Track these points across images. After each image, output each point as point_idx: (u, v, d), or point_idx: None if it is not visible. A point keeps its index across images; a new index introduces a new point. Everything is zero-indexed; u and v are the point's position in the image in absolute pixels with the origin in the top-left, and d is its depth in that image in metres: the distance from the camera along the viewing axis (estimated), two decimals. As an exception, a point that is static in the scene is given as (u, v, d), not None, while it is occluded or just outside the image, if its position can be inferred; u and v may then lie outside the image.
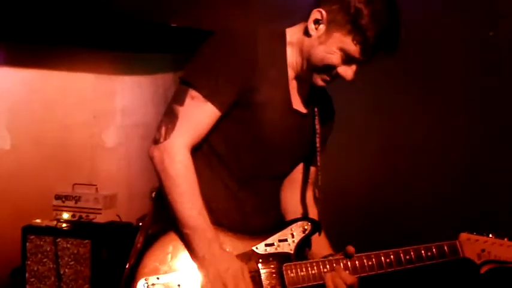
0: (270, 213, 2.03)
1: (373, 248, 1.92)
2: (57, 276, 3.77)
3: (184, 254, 1.84)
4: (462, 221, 1.92)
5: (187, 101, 1.80)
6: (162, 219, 1.89)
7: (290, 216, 2.09)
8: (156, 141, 1.80)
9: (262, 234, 1.92)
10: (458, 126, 3.27)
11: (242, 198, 1.94)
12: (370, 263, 1.89)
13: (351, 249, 1.90)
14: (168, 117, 1.81)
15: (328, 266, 1.89)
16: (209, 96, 1.79)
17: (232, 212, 1.92)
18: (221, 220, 1.88)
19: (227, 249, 1.85)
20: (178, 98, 1.82)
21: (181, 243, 1.84)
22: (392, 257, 1.89)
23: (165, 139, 1.78)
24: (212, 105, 1.80)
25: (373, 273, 1.90)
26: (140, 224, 1.99)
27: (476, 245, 1.91)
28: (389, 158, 3.40)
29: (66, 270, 3.78)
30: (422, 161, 3.33)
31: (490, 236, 1.92)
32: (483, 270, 1.91)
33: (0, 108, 4.38)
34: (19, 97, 4.40)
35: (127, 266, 1.87)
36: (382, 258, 1.89)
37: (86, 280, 3.73)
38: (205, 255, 1.78)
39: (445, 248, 1.90)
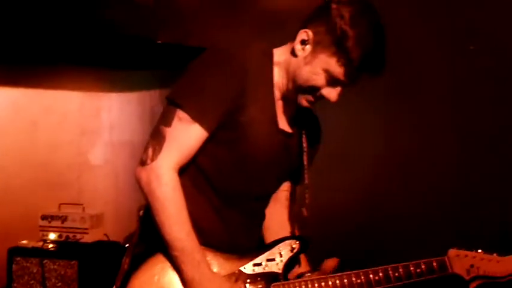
0: (256, 233, 2.04)
1: (362, 266, 1.92)
2: (45, 298, 3.75)
3: (171, 276, 1.83)
4: (451, 236, 1.93)
5: (175, 122, 1.80)
6: (149, 239, 1.89)
7: (268, 234, 2.09)
8: (143, 163, 1.79)
9: (249, 253, 1.93)
10: (445, 139, 3.28)
11: (228, 217, 1.94)
12: (358, 281, 1.89)
13: (329, 263, 1.91)
14: (155, 138, 1.81)
15: (316, 285, 1.89)
16: (197, 118, 1.79)
17: (218, 231, 1.92)
18: (208, 240, 1.87)
19: (215, 270, 1.85)
20: (165, 119, 1.82)
21: (169, 265, 1.83)
22: (381, 274, 1.89)
23: (152, 160, 1.78)
24: (200, 127, 1.80)
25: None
26: (127, 244, 1.98)
27: (465, 261, 1.91)
28: (376, 175, 3.40)
29: (53, 291, 3.74)
30: (410, 177, 3.33)
31: (479, 251, 1.92)
32: (472, 286, 1.91)
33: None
34: (4, 116, 4.38)
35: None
36: (371, 275, 1.89)
37: (73, 301, 3.71)
38: (195, 277, 1.78)
39: (434, 264, 1.91)
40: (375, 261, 1.94)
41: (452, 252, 1.93)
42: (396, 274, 1.89)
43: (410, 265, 1.91)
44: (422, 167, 3.30)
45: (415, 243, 2.89)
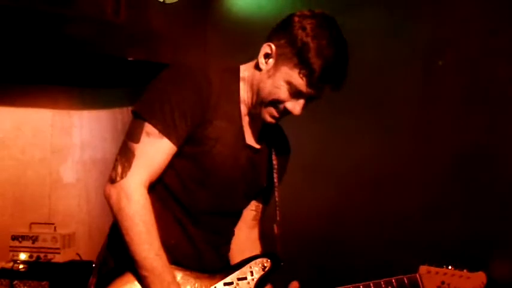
0: (223, 250, 2.00)
1: (332, 283, 1.89)
2: (15, 319, 3.65)
3: None
4: (427, 250, 1.92)
5: (143, 137, 1.75)
6: (116, 258, 1.84)
7: (235, 254, 2.05)
8: (112, 180, 1.75)
9: (220, 272, 1.88)
10: (413, 153, 3.28)
11: (195, 234, 1.89)
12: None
13: (294, 286, 1.87)
14: (124, 154, 1.76)
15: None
16: (165, 132, 1.76)
17: (186, 249, 1.87)
18: (177, 258, 1.83)
19: None
20: (133, 134, 1.77)
21: (137, 285, 1.77)
22: (352, 292, 1.87)
23: (121, 178, 1.73)
24: (168, 141, 1.76)
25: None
26: (93, 264, 1.92)
27: (436, 278, 1.90)
28: (348, 190, 3.39)
29: (24, 313, 3.65)
30: (383, 190, 3.32)
31: (450, 267, 1.91)
32: (443, 303, 1.91)
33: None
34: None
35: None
36: None
37: (44, 323, 3.62)
38: None
39: (405, 281, 1.89)
40: (345, 278, 1.91)
41: (423, 268, 1.92)
42: None
43: (382, 282, 1.89)
44: (390, 182, 3.30)
45: (385, 259, 2.87)
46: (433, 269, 1.92)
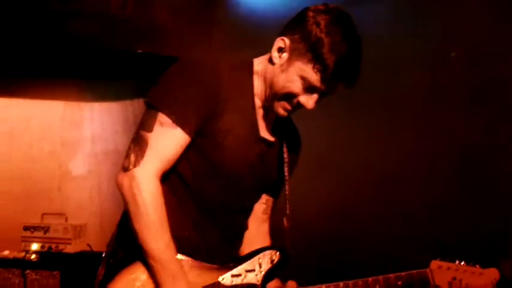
0: (234, 244, 1.97)
1: (341, 278, 1.85)
2: (27, 308, 3.65)
3: (147, 285, 1.75)
4: (435, 246, 1.88)
5: (156, 126, 1.73)
6: (125, 248, 1.81)
7: (244, 246, 2.02)
8: (125, 169, 1.72)
9: (229, 264, 1.85)
10: (424, 151, 3.24)
11: (207, 228, 1.87)
12: (339, 293, 1.83)
13: (290, 286, 1.85)
14: (137, 143, 1.74)
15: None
16: (178, 121, 1.73)
17: (196, 241, 1.84)
18: (186, 249, 1.80)
19: (193, 280, 1.77)
20: (146, 124, 1.75)
21: (146, 275, 1.76)
22: (360, 286, 1.83)
23: (134, 166, 1.71)
24: (181, 131, 1.74)
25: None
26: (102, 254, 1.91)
27: (447, 273, 1.85)
28: (357, 186, 3.34)
29: (36, 302, 3.65)
30: (391, 187, 3.26)
31: (462, 263, 1.86)
32: (453, 299, 1.86)
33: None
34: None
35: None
36: (351, 287, 1.83)
37: (56, 312, 3.61)
38: None
39: (416, 276, 1.85)
40: (354, 273, 1.87)
41: (434, 263, 1.87)
42: (377, 286, 1.83)
43: (391, 277, 1.85)
44: (398, 178, 3.25)
45: (394, 255, 2.83)
46: (444, 264, 1.87)
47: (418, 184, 3.17)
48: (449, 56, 3.14)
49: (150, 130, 1.74)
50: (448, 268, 1.86)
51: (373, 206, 3.27)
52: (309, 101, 1.80)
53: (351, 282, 1.84)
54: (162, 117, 1.74)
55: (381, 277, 1.84)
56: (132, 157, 1.72)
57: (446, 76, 3.19)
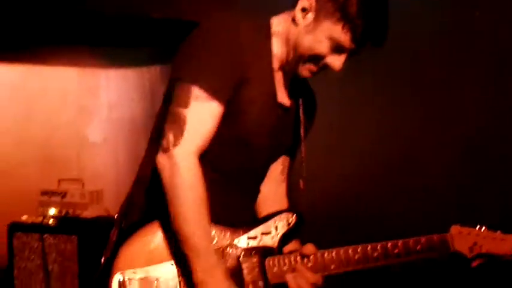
0: (249, 208, 1.93)
1: (360, 243, 1.79)
2: (45, 272, 3.66)
3: (162, 247, 1.72)
4: (454, 215, 1.83)
5: (192, 101, 1.64)
6: (138, 210, 1.78)
7: (261, 209, 1.97)
8: (164, 150, 1.64)
9: (244, 226, 1.80)
10: (450, 118, 3.16)
11: (223, 192, 1.81)
12: (356, 256, 1.77)
13: (308, 248, 1.79)
14: (174, 122, 1.66)
15: (312, 260, 1.77)
16: (214, 94, 1.65)
17: (213, 205, 1.75)
18: None
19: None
20: (180, 100, 1.66)
21: (159, 237, 1.71)
22: (379, 249, 1.78)
23: (174, 146, 1.63)
24: (217, 103, 1.66)
25: (361, 267, 1.77)
26: (115, 216, 1.88)
27: (468, 238, 1.78)
28: (378, 151, 3.28)
29: (55, 266, 3.67)
30: (414, 153, 3.20)
31: (483, 228, 1.79)
32: (474, 264, 1.79)
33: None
34: (1, 95, 4.26)
35: (102, 261, 1.75)
36: (369, 251, 1.78)
37: (74, 276, 3.62)
38: (205, 280, 1.63)
39: (435, 240, 1.78)
40: (372, 238, 1.81)
41: (455, 228, 1.80)
42: (396, 250, 1.76)
43: (410, 241, 1.78)
44: (421, 148, 3.19)
45: (414, 220, 2.79)
46: (465, 229, 1.80)
47: (441, 151, 3.11)
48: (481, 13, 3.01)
49: (186, 106, 1.65)
50: (469, 233, 1.79)
51: (392, 171, 3.21)
52: (336, 62, 1.73)
53: (369, 246, 1.79)
54: (196, 91, 1.65)
55: (400, 241, 1.78)
56: (171, 137, 1.64)
57: (469, 57, 3.09)
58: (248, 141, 1.79)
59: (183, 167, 1.62)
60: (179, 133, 1.64)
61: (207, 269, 1.63)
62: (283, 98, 1.85)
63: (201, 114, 1.66)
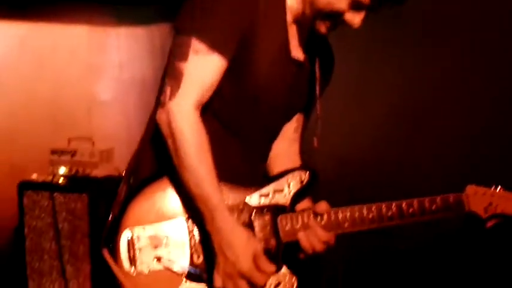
0: (259, 167, 1.89)
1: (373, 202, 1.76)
2: (56, 230, 3.65)
3: (172, 204, 1.69)
4: (470, 176, 1.79)
5: (191, 54, 1.58)
6: (147, 166, 1.75)
7: (273, 167, 1.93)
8: (162, 104, 1.61)
9: (255, 184, 1.76)
10: (469, 77, 3.10)
11: (231, 148, 1.78)
12: (370, 215, 1.74)
13: (321, 206, 1.75)
14: (172, 76, 1.61)
15: (326, 218, 1.74)
16: (215, 47, 1.59)
17: (220, 162, 1.72)
18: None
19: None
20: (179, 53, 1.61)
21: (169, 193, 1.69)
22: (394, 208, 1.74)
23: (170, 99, 1.59)
24: (219, 56, 1.60)
25: (375, 226, 1.75)
26: (123, 173, 1.84)
27: (483, 199, 1.76)
28: (394, 110, 3.22)
29: (65, 224, 3.65)
30: (430, 112, 3.16)
31: (498, 188, 1.76)
32: (489, 224, 1.76)
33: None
34: (10, 53, 4.20)
35: (109, 218, 1.72)
36: (384, 210, 1.74)
37: (84, 234, 3.61)
38: (222, 227, 1.61)
39: (451, 200, 1.75)
40: (386, 198, 1.78)
41: (470, 188, 1.77)
42: (410, 210, 1.73)
43: (426, 200, 1.75)
44: (437, 106, 3.14)
45: (429, 181, 2.74)
46: (480, 189, 1.77)
47: (457, 111, 3.06)
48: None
49: (184, 59, 1.59)
50: (484, 193, 1.76)
51: (408, 131, 3.16)
52: (355, 18, 1.66)
53: (383, 205, 1.74)
54: (195, 44, 1.58)
55: (415, 201, 1.75)
56: (168, 90, 1.60)
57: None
58: (260, 98, 1.74)
59: (179, 119, 1.58)
60: (176, 87, 1.59)
61: (218, 217, 1.60)
62: (297, 53, 1.79)
63: (200, 67, 1.60)
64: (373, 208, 1.74)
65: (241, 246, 1.61)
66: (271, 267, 1.63)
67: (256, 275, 1.61)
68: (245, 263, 1.60)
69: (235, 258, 1.59)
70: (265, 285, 1.65)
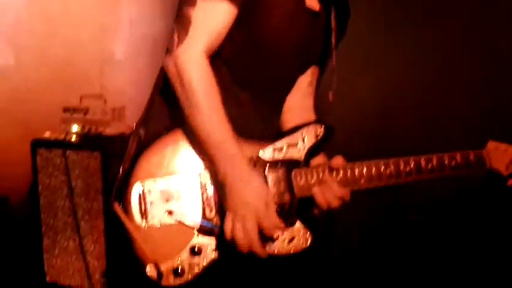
0: (272, 121, 1.84)
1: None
2: (69, 188, 3.64)
3: (184, 157, 1.65)
4: (491, 134, 1.74)
5: (199, 1, 1.55)
6: (158, 119, 1.72)
7: (286, 122, 1.88)
8: (169, 51, 1.58)
9: (269, 138, 1.72)
10: (481, 39, 3.03)
11: (243, 102, 1.73)
12: (387, 171, 1.69)
13: (337, 161, 1.70)
14: (179, 22, 1.57)
15: (342, 174, 1.69)
16: None
17: (232, 114, 1.68)
18: None
19: None
20: (188, 0, 1.57)
21: (182, 146, 1.65)
22: (412, 164, 1.68)
23: (178, 46, 1.55)
24: (228, 3, 1.56)
25: (392, 182, 1.69)
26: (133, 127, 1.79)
27: (505, 155, 1.69)
28: (412, 62, 3.14)
29: (78, 182, 3.63)
30: (450, 67, 3.07)
31: None
32: (510, 182, 1.70)
33: (0, 24, 4.11)
34: (20, 12, 4.13)
35: (120, 172, 1.68)
36: (401, 165, 1.68)
37: (98, 191, 3.59)
38: (227, 173, 1.57)
39: (471, 156, 1.69)
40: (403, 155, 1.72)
41: (491, 144, 1.71)
42: (429, 165, 1.67)
43: (445, 156, 1.69)
44: (458, 65, 3.07)
45: (448, 139, 2.68)
46: (502, 145, 1.71)
47: (477, 66, 3.00)
48: None
49: (193, 5, 1.55)
50: (506, 150, 1.70)
51: (429, 84, 3.08)
52: None
53: (401, 160, 1.69)
54: None
55: (434, 156, 1.69)
56: (175, 37, 1.56)
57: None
58: (272, 47, 1.69)
59: (188, 66, 1.55)
60: (184, 34, 1.56)
61: (227, 160, 1.57)
62: (312, 2, 1.73)
63: (209, 14, 1.56)
64: (391, 163, 1.69)
65: (256, 190, 1.57)
66: (279, 221, 1.59)
67: (266, 221, 1.57)
68: (257, 208, 1.56)
69: (250, 200, 1.56)
70: (274, 237, 1.62)
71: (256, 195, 1.57)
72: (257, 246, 1.57)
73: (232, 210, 1.58)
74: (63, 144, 3.65)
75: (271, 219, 1.57)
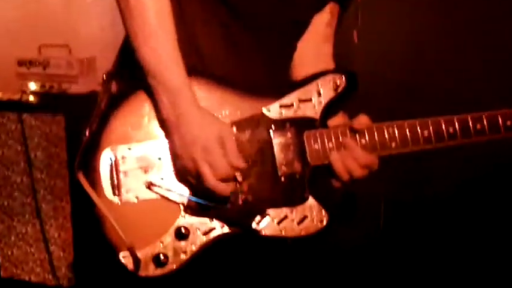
0: (280, 70, 1.81)
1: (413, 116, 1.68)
2: (27, 161, 3.67)
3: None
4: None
5: None
6: (133, 71, 1.66)
7: (298, 71, 1.85)
8: None
9: (275, 92, 1.69)
10: None
11: (243, 43, 1.71)
12: (426, 132, 1.66)
13: (361, 121, 1.67)
14: None
15: (367, 135, 1.67)
16: None
17: (230, 61, 1.70)
18: (214, 69, 1.67)
19: (227, 111, 1.64)
20: None
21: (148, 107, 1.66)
22: (457, 124, 1.65)
23: None
24: None
25: (430, 147, 1.67)
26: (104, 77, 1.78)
27: None
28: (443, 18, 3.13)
29: (38, 153, 3.66)
30: (477, 27, 3.06)
31: None
32: None
33: None
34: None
35: (86, 133, 1.67)
36: (443, 124, 1.66)
37: (62, 164, 3.61)
38: (169, 118, 1.59)
39: (500, 118, 1.65)
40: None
41: None
42: (478, 126, 1.65)
43: (498, 115, 1.66)
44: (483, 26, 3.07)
45: (489, 95, 2.66)
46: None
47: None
48: None
49: None
50: None
51: (461, 40, 3.08)
52: None
53: (442, 119, 1.66)
54: None
55: (484, 114, 1.66)
56: None
57: None
58: None
59: None
60: None
61: (170, 101, 1.58)
62: None
63: None
64: (429, 123, 1.66)
65: (206, 123, 1.57)
66: (239, 160, 1.59)
67: (220, 161, 1.56)
68: (208, 140, 1.56)
69: (197, 133, 1.56)
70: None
71: (207, 128, 1.56)
72: (216, 185, 1.57)
73: (178, 151, 1.59)
74: (19, 106, 3.66)
75: (229, 158, 1.57)
